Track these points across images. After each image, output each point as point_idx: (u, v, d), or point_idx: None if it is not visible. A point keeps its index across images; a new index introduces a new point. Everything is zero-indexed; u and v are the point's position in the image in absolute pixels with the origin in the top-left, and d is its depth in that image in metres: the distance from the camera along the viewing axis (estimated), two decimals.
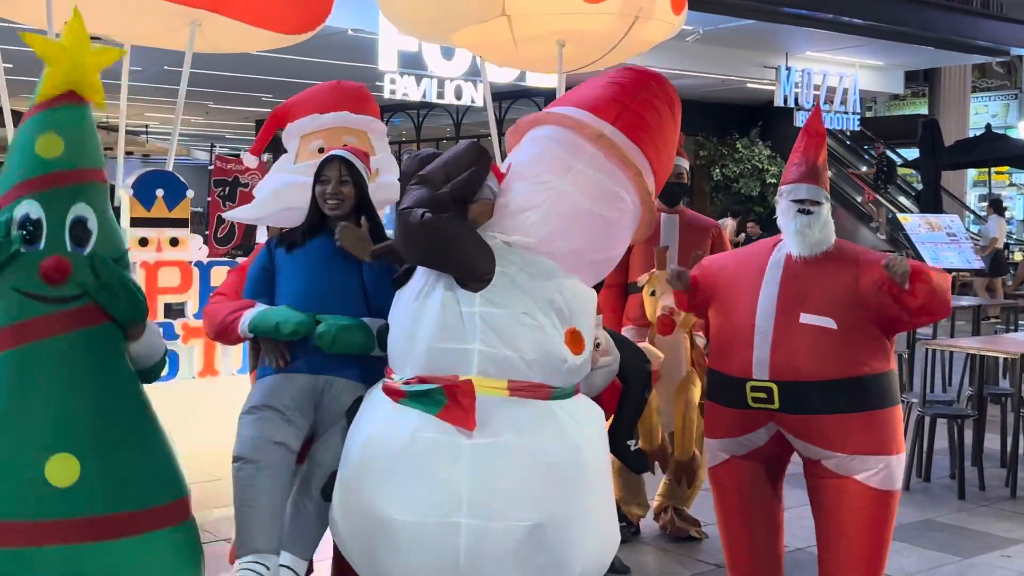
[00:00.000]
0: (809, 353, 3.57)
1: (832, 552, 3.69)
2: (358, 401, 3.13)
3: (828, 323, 3.58)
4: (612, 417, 4.14)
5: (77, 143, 2.74)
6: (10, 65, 5.05)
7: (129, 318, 2.78)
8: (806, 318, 3.59)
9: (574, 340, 2.90)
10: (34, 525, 2.49)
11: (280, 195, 3.77)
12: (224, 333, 3.38)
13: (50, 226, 2.66)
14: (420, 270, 2.99)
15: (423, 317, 2.87)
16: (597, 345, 3.84)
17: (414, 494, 2.74)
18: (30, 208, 2.65)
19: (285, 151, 4.03)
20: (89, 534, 2.53)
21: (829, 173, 3.92)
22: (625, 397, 3.98)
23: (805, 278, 3.66)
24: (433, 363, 2.84)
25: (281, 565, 3.08)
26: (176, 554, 2.73)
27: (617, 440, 3.99)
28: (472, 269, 2.81)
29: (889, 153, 20.07)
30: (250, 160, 4.62)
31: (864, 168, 20.60)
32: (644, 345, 4.14)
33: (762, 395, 3.61)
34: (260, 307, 3.32)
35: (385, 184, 3.86)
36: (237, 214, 4.15)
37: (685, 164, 5.13)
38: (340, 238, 3.33)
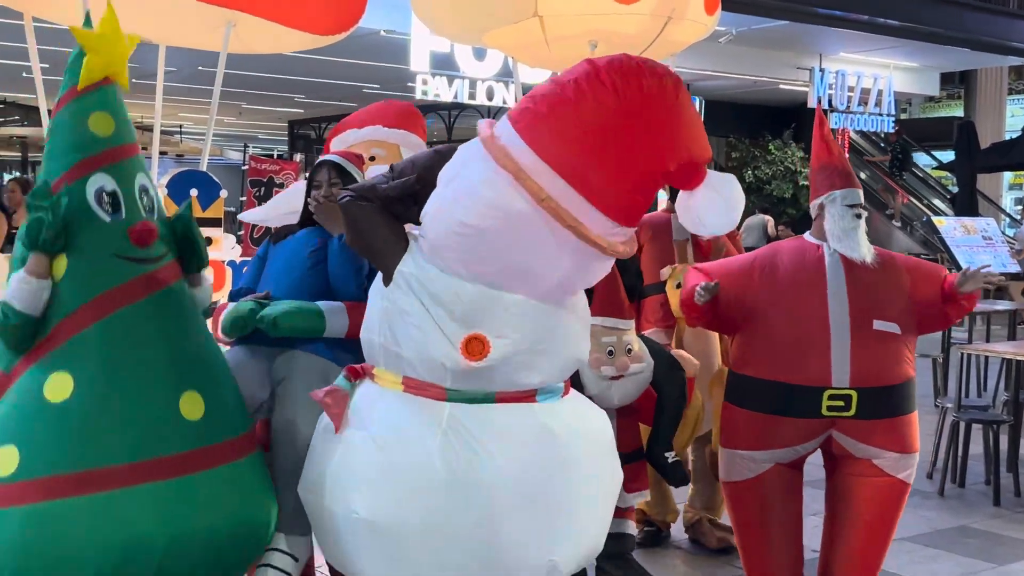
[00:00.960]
0: (883, 358, 3.70)
1: (854, 541, 3.82)
2: None
3: (895, 328, 3.71)
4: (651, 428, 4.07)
5: (122, 121, 2.99)
6: (46, 65, 5.10)
7: (200, 265, 3.12)
8: (879, 324, 3.68)
9: (470, 346, 2.75)
10: (180, 457, 2.78)
11: (287, 199, 3.96)
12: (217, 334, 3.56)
13: (125, 196, 2.91)
14: None
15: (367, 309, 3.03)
16: (628, 351, 3.78)
17: (307, 472, 2.99)
18: (104, 181, 2.88)
19: None
20: (218, 459, 2.86)
21: (863, 176, 3.97)
22: (660, 407, 3.90)
23: (869, 284, 3.74)
24: (365, 352, 3.02)
25: (278, 552, 3.14)
26: (263, 474, 3.05)
27: (653, 451, 3.92)
28: (379, 261, 2.93)
29: (919, 149, 19.93)
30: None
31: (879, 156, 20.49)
32: (678, 352, 4.03)
33: (840, 403, 3.66)
34: (229, 307, 3.47)
35: None
36: (248, 216, 4.34)
37: None
38: (316, 211, 3.52)
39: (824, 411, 3.68)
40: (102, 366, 2.76)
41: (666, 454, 3.88)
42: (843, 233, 3.76)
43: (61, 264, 2.80)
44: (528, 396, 2.86)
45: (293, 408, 3.18)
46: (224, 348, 3.35)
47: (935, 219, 12.05)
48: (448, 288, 2.76)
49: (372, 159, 4.00)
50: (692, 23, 5.50)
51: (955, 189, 18.72)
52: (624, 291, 3.88)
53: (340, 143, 4.23)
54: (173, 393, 2.83)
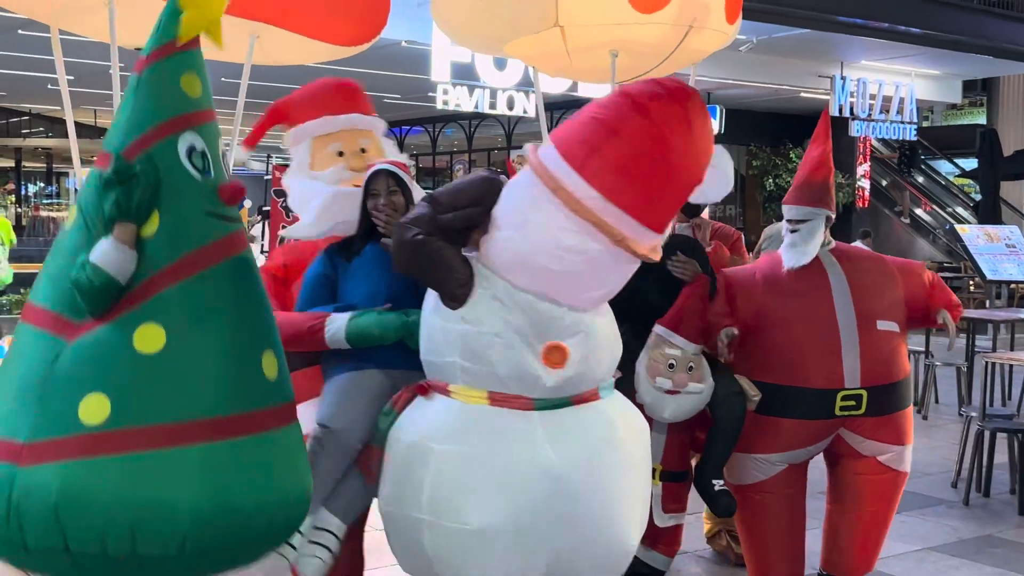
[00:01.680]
0: (887, 357, 3.86)
1: (858, 532, 4.01)
2: None
3: (894, 327, 3.90)
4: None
5: (207, 85, 2.99)
6: (71, 77, 5.16)
7: None
8: (882, 324, 3.86)
9: (551, 355, 2.96)
10: (260, 413, 2.82)
11: (332, 209, 3.83)
12: (302, 343, 3.45)
13: (212, 157, 2.92)
14: None
15: (422, 330, 3.16)
16: (690, 368, 3.75)
17: (393, 489, 3.06)
18: (194, 140, 2.88)
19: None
20: (284, 419, 2.90)
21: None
22: (714, 433, 3.86)
23: (868, 285, 3.91)
24: (430, 372, 3.14)
25: (316, 527, 3.22)
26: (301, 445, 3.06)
27: (702, 477, 3.86)
28: (445, 290, 3.03)
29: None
30: (241, 154, 4.68)
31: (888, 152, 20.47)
32: (741, 378, 3.95)
33: (851, 403, 3.81)
34: (342, 318, 3.41)
35: None
36: (297, 232, 4.12)
37: None
38: (387, 227, 3.50)
39: (837, 411, 3.82)
40: (195, 320, 2.77)
41: (714, 481, 3.83)
42: (783, 248, 4.03)
43: (153, 221, 2.79)
44: (594, 394, 3.08)
45: None
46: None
47: (958, 227, 12.01)
48: (527, 306, 2.95)
49: (363, 151, 3.92)
50: (713, 32, 5.50)
51: (978, 197, 18.62)
52: (708, 318, 3.88)
53: (311, 131, 3.98)
54: (257, 350, 2.86)
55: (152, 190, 2.79)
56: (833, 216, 4.03)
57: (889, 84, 17.83)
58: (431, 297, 3.12)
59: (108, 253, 2.72)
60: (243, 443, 2.75)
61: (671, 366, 3.69)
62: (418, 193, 3.77)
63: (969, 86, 21.26)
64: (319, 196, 3.87)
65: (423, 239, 3.01)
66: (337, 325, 3.39)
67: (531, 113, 15.49)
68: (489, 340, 2.95)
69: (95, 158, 2.94)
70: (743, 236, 5.17)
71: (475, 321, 2.97)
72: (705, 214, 4.39)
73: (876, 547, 4.08)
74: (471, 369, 2.98)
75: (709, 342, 3.90)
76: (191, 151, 2.86)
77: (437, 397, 3.08)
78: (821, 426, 3.86)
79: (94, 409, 2.64)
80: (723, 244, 4.94)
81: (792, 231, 3.98)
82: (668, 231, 3.04)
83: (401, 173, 3.62)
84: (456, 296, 3.01)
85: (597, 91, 12.78)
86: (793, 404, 3.83)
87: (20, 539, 2.61)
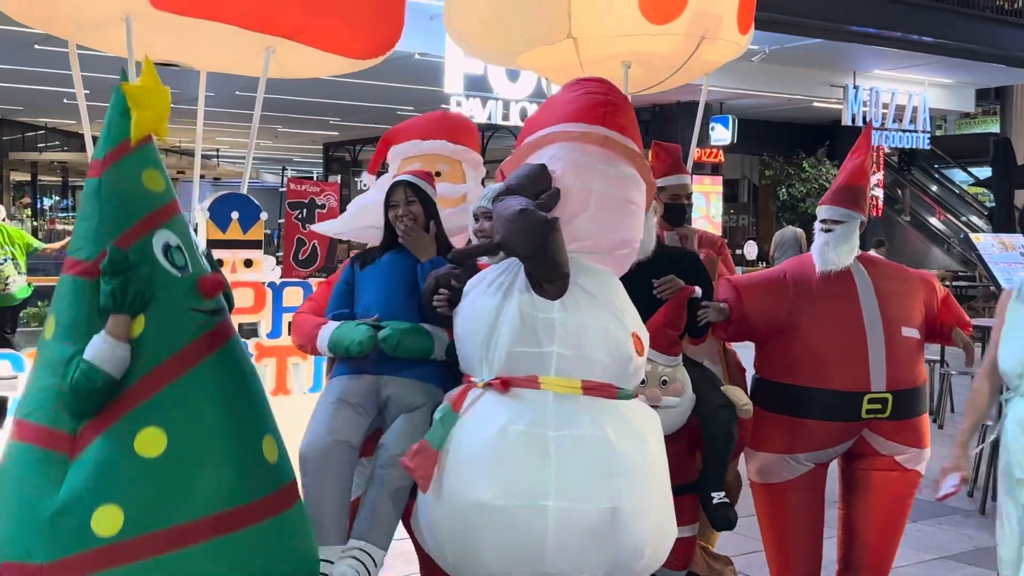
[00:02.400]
0: (910, 362, 3.98)
1: (874, 530, 4.07)
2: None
3: (916, 334, 4.02)
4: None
5: (167, 177, 3.00)
6: (87, 91, 5.20)
7: (230, 308, 3.15)
8: (906, 331, 3.97)
9: (638, 342, 3.13)
10: (268, 499, 2.85)
11: (361, 214, 4.01)
12: (309, 347, 3.66)
13: (187, 250, 2.93)
14: (492, 276, 3.19)
15: (503, 322, 3.09)
16: (663, 382, 3.69)
17: (504, 481, 2.95)
18: (167, 236, 2.89)
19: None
20: (285, 503, 2.92)
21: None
22: (706, 444, 3.81)
23: (893, 293, 4.03)
24: (513, 365, 3.06)
25: (358, 548, 3.21)
26: (307, 521, 3.10)
27: (702, 492, 3.81)
28: (564, 272, 3.06)
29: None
30: (368, 179, 4.77)
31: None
32: (730, 389, 3.91)
33: (877, 406, 3.91)
34: (331, 326, 3.53)
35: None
36: (323, 227, 4.38)
37: (689, 182, 5.01)
38: (405, 235, 3.58)
39: (864, 414, 3.90)
40: (193, 418, 2.78)
41: (712, 494, 3.78)
42: (815, 248, 4.09)
43: (139, 322, 2.79)
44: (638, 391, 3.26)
45: (394, 438, 3.32)
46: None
47: (972, 236, 11.97)
48: (618, 290, 3.16)
49: (438, 174, 4.03)
50: (725, 42, 5.51)
51: (992, 205, 18.59)
52: (682, 329, 3.84)
53: (400, 153, 4.24)
54: (257, 437, 2.89)
55: (147, 282, 2.77)
56: (866, 221, 4.13)
57: (902, 93, 17.83)
58: (512, 290, 3.10)
59: (102, 349, 2.70)
60: (252, 532, 2.77)
61: (642, 383, 3.60)
62: (468, 213, 3.81)
63: (982, 95, 21.24)
64: (358, 201, 4.08)
65: (554, 219, 3.02)
66: (322, 336, 3.52)
67: None
68: (592, 325, 3.06)
69: (65, 263, 2.92)
70: (755, 245, 5.17)
71: (573, 308, 3.06)
72: (698, 224, 4.37)
73: (891, 548, 4.12)
74: (569, 357, 3.03)
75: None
76: (167, 248, 2.86)
77: (522, 391, 3.03)
78: (847, 428, 3.95)
79: (107, 521, 2.65)
80: (710, 250, 4.90)
81: (826, 230, 4.07)
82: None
83: (421, 183, 3.67)
84: (564, 279, 3.06)
85: None
86: (821, 406, 3.93)
87: None
